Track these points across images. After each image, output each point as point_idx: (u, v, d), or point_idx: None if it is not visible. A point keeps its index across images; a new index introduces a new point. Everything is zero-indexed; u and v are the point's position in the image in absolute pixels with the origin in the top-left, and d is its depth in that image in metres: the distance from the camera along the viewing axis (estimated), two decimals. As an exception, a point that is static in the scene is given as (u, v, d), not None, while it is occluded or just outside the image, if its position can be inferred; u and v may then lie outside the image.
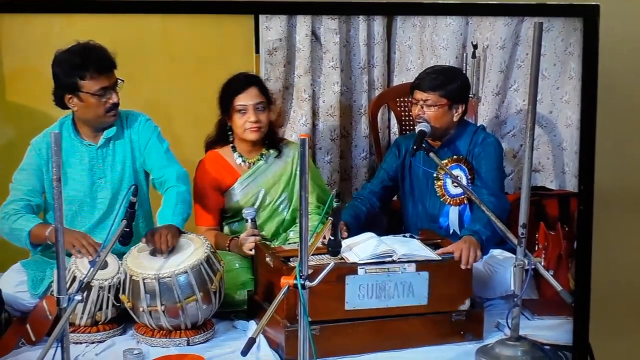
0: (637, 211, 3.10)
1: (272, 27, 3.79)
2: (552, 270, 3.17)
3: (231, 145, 3.45)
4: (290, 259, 2.91)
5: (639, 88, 3.07)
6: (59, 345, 2.38)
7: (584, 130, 2.53)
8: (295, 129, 3.92)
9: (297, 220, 3.32)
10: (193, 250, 2.97)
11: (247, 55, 3.86)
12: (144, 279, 2.87)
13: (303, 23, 3.82)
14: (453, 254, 2.94)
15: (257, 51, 3.85)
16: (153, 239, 2.94)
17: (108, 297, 2.94)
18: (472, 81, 3.66)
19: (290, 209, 3.45)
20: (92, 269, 2.68)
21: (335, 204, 2.64)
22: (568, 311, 2.71)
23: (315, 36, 3.88)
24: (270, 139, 3.46)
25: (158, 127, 3.26)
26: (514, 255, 2.74)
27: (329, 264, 2.41)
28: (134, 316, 2.95)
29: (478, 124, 3.63)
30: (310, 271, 2.31)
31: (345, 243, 2.89)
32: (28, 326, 2.88)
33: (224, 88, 3.37)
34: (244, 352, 2.30)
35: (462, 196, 3.32)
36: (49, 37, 3.55)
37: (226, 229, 3.48)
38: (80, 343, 2.90)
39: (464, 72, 3.66)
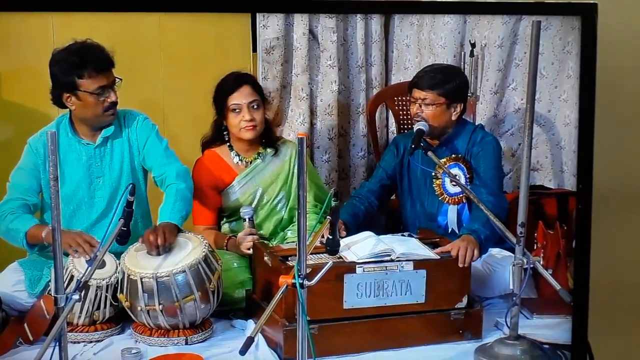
0: (636, 210, 3.10)
1: (270, 25, 3.79)
2: (550, 269, 3.18)
3: (228, 144, 3.44)
4: (289, 258, 2.91)
5: (637, 86, 3.07)
6: (57, 344, 2.37)
7: (583, 129, 2.53)
8: (293, 128, 3.91)
9: (295, 219, 3.35)
10: (191, 249, 2.97)
11: (245, 53, 3.85)
12: (141, 278, 2.86)
13: (300, 21, 3.82)
14: (450, 252, 2.94)
15: (255, 50, 3.84)
16: (149, 238, 2.93)
17: (106, 297, 2.93)
18: (470, 80, 3.66)
19: (288, 208, 3.44)
20: (89, 268, 2.67)
21: (333, 203, 2.64)
22: (567, 310, 2.71)
23: (312, 35, 3.88)
24: (267, 138, 3.46)
25: (156, 125, 3.25)
26: (512, 254, 2.74)
27: (328, 263, 2.40)
28: (131, 315, 2.94)
29: (476, 123, 3.63)
30: (308, 270, 2.30)
31: (343, 242, 2.89)
32: (26, 326, 2.87)
33: (217, 88, 3.37)
34: (243, 352, 2.29)
35: (461, 195, 3.32)
36: (45, 35, 3.54)
37: (224, 228, 3.48)
38: (78, 342, 2.90)
39: (462, 70, 3.65)
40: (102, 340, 2.93)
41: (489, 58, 3.81)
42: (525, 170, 2.67)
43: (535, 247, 3.36)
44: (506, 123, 3.90)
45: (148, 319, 2.89)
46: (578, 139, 2.57)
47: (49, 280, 2.93)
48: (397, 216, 3.57)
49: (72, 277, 2.88)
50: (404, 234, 3.20)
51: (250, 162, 3.44)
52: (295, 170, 3.34)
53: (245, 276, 3.19)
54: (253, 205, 3.38)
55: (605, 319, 2.84)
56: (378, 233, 3.05)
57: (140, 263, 2.91)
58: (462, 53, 3.84)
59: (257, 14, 3.76)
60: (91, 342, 2.91)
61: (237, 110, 3.34)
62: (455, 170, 3.31)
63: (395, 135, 3.92)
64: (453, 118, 3.32)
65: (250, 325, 2.98)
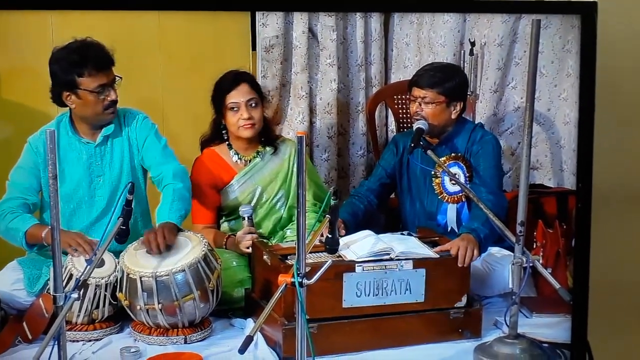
0: (635, 209, 3.09)
1: (269, 24, 3.78)
2: (550, 268, 3.18)
3: (227, 143, 3.44)
4: (288, 257, 2.91)
5: (637, 85, 3.06)
6: (56, 343, 2.37)
7: (582, 128, 2.53)
8: (292, 127, 3.91)
9: (294, 218, 3.35)
10: (190, 248, 2.96)
11: (244, 52, 3.85)
12: (141, 277, 2.86)
13: (300, 20, 3.81)
14: (450, 251, 2.93)
15: (254, 48, 3.84)
16: (149, 238, 2.92)
17: (105, 295, 2.93)
18: (469, 79, 3.65)
19: (287, 207, 3.44)
20: (88, 267, 2.67)
21: (332, 202, 2.63)
22: (566, 309, 2.70)
23: (312, 33, 3.88)
24: (266, 136, 3.46)
25: (155, 124, 3.25)
26: (512, 253, 2.73)
27: (327, 261, 2.40)
28: (131, 314, 2.94)
29: (476, 122, 3.62)
30: (307, 269, 2.30)
31: (342, 241, 2.88)
32: (24, 324, 2.87)
33: (215, 87, 3.37)
34: (242, 350, 2.29)
35: (460, 194, 3.31)
36: (44, 34, 3.54)
37: (223, 226, 3.47)
38: (77, 341, 2.89)
39: (462, 69, 3.65)
40: (101, 339, 2.93)
41: (489, 57, 3.80)
42: (525, 169, 2.66)
43: (534, 246, 3.36)
44: (506, 122, 3.89)
45: (147, 317, 2.89)
46: (578, 138, 2.56)
47: (48, 279, 2.92)
48: (396, 215, 3.57)
49: (71, 275, 2.88)
50: (403, 232, 3.20)
51: (250, 161, 3.44)
52: (295, 169, 3.34)
53: (244, 275, 3.19)
54: (252, 204, 3.38)
55: (605, 318, 2.84)
56: (377, 232, 3.04)
57: (139, 262, 2.91)
58: (462, 52, 3.84)
59: (257, 13, 3.75)
60: (90, 340, 2.91)
61: (235, 109, 3.34)
62: (454, 169, 3.30)
63: (394, 134, 3.91)
64: (453, 117, 3.32)
65: (250, 324, 2.98)
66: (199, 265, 2.90)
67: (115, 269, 2.95)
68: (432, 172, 3.34)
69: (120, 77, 3.11)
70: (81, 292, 2.76)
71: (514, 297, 2.71)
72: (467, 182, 3.27)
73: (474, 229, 3.04)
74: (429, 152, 3.18)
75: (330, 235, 2.67)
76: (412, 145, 3.20)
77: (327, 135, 3.94)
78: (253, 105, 3.35)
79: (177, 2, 2.70)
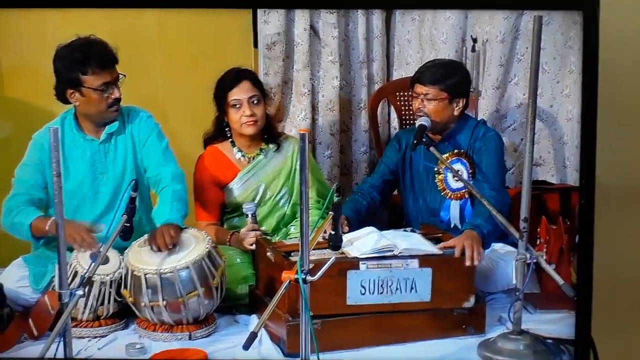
0: (639, 205, 3.09)
1: (271, 21, 3.79)
2: (553, 264, 3.17)
3: (230, 140, 3.44)
4: (291, 254, 2.91)
5: (639, 81, 3.06)
6: (62, 339, 2.38)
7: (585, 125, 2.53)
8: (294, 124, 3.91)
9: (298, 215, 3.35)
10: (194, 245, 2.97)
11: (246, 49, 3.86)
12: (145, 274, 2.86)
13: (301, 17, 3.81)
14: (454, 248, 2.93)
15: (256, 45, 3.84)
16: (155, 239, 2.93)
17: (110, 292, 2.94)
18: (472, 75, 3.65)
19: (291, 204, 3.44)
20: (93, 264, 2.68)
21: (335, 199, 2.64)
22: (570, 305, 2.70)
23: (313, 30, 3.88)
24: (269, 134, 3.46)
25: (159, 124, 3.25)
26: (515, 249, 2.73)
27: (330, 258, 2.40)
28: (135, 311, 2.95)
29: (479, 118, 3.63)
30: (311, 266, 2.31)
31: (346, 237, 2.88)
32: (30, 321, 2.88)
33: (217, 84, 3.38)
34: (246, 347, 2.30)
35: (463, 190, 3.32)
36: (45, 32, 3.55)
37: (227, 223, 3.48)
38: (83, 338, 2.90)
39: (464, 66, 3.65)
40: (106, 335, 2.94)
41: (491, 53, 3.80)
42: (528, 165, 2.66)
43: (538, 242, 3.35)
44: (508, 118, 3.90)
45: (152, 314, 2.90)
46: (580, 134, 2.56)
47: (53, 276, 2.93)
48: (399, 211, 3.57)
49: (76, 272, 2.89)
50: (407, 229, 3.19)
51: (253, 158, 3.44)
52: (298, 166, 3.34)
53: (248, 272, 3.20)
54: (256, 201, 3.38)
55: (609, 315, 2.83)
56: (380, 228, 3.04)
57: (143, 259, 2.92)
58: (464, 48, 3.84)
59: (258, 10, 3.76)
60: (95, 337, 2.92)
61: (237, 106, 3.34)
62: (457, 166, 3.30)
63: (397, 130, 3.91)
64: (455, 113, 3.32)
65: (254, 321, 2.98)
66: (203, 262, 2.91)
67: (120, 266, 2.96)
68: (435, 169, 3.34)
69: (124, 75, 3.11)
70: (86, 289, 2.76)
71: (517, 293, 2.71)
72: (470, 179, 3.27)
73: (477, 225, 3.04)
74: (431, 148, 3.19)
75: (333, 232, 2.67)
76: (415, 142, 3.20)
77: (330, 133, 3.94)
78: (255, 102, 3.35)
79: (179, 0, 2.70)
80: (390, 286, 2.83)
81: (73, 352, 2.42)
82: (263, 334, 2.82)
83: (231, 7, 3.60)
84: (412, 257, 2.85)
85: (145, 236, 2.99)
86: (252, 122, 3.34)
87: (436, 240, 3.03)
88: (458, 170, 3.26)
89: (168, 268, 2.87)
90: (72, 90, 3.07)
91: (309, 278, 2.29)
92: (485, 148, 3.30)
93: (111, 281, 2.94)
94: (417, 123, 3.27)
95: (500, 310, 3.02)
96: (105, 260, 2.91)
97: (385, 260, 2.83)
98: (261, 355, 2.75)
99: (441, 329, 2.87)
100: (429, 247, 2.94)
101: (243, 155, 3.44)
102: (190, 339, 2.90)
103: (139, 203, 2.90)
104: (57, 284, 2.45)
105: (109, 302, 2.95)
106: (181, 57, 3.81)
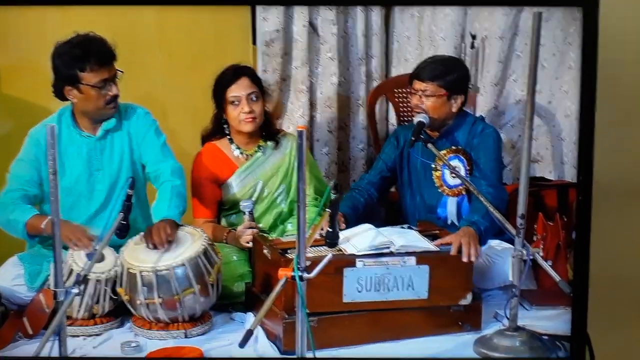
0: (636, 204, 3.08)
1: (269, 18, 3.78)
2: (550, 261, 3.17)
3: (228, 137, 3.43)
4: (288, 251, 2.90)
5: (639, 78, 3.05)
6: (57, 338, 2.37)
7: (583, 121, 2.52)
8: (292, 121, 3.91)
9: (295, 212, 3.35)
10: (190, 242, 2.96)
11: (244, 46, 3.85)
12: (141, 272, 2.86)
13: (300, 14, 3.81)
14: (451, 245, 2.93)
15: (254, 42, 3.83)
16: (151, 235, 2.92)
17: (105, 290, 2.93)
18: (470, 72, 3.64)
19: (288, 201, 3.44)
20: (88, 262, 2.67)
21: (333, 196, 2.63)
22: (566, 301, 2.70)
23: (312, 27, 3.87)
24: (268, 131, 3.45)
25: (156, 120, 3.25)
26: (512, 246, 2.73)
27: (327, 255, 2.40)
28: (131, 309, 2.94)
29: (477, 115, 3.62)
30: (308, 263, 2.30)
31: (343, 234, 2.88)
32: (25, 320, 2.87)
33: (216, 81, 3.37)
34: (242, 344, 2.29)
35: (461, 187, 3.31)
36: (44, 29, 3.54)
37: (223, 221, 3.47)
38: (78, 336, 2.90)
39: (463, 62, 3.64)
40: (102, 334, 2.93)
41: (490, 50, 3.79)
42: (526, 161, 2.66)
43: (535, 239, 3.35)
44: (507, 115, 3.89)
45: (147, 312, 2.89)
46: (579, 131, 2.55)
47: (49, 275, 2.93)
48: (397, 208, 3.56)
49: (71, 271, 2.88)
50: (404, 226, 3.19)
51: (251, 155, 3.44)
52: (296, 164, 3.33)
53: (244, 269, 3.19)
54: (253, 199, 3.37)
55: (605, 311, 2.83)
56: (378, 225, 3.04)
57: (139, 257, 2.91)
58: (463, 45, 3.83)
59: (257, 7, 3.75)
60: (91, 335, 2.91)
61: (236, 103, 3.33)
62: (455, 162, 3.30)
63: (395, 127, 3.91)
64: (453, 110, 3.31)
65: (250, 318, 2.98)
66: (199, 260, 2.90)
67: (115, 264, 2.96)
68: (433, 166, 3.34)
69: (122, 72, 3.10)
70: (81, 288, 2.75)
71: (514, 289, 2.71)
72: (468, 175, 3.26)
73: (474, 222, 3.04)
74: (429, 145, 3.18)
75: (330, 229, 2.67)
76: (413, 138, 3.20)
77: (328, 129, 3.94)
78: (254, 99, 3.35)
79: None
80: (387, 283, 2.82)
81: (68, 351, 2.41)
82: (259, 331, 2.82)
83: (230, 4, 3.59)
84: (409, 254, 2.84)
85: (141, 234, 2.98)
86: (250, 119, 3.33)
87: (433, 237, 3.02)
88: (455, 167, 3.25)
89: (164, 265, 2.86)
90: (70, 87, 3.06)
91: (305, 275, 2.28)
92: (483, 145, 3.29)
93: (107, 279, 2.93)
94: (416, 120, 3.26)
95: (496, 306, 3.01)
96: (101, 258, 2.91)
97: (382, 257, 2.82)
98: (257, 353, 2.75)
99: (437, 326, 2.87)
100: (425, 244, 2.93)
101: (241, 153, 3.43)
102: (186, 337, 2.90)
103: (135, 201, 2.89)
104: (52, 282, 2.45)
105: (104, 300, 2.94)
106: (180, 55, 3.80)
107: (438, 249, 2.92)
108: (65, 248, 2.89)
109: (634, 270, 3.08)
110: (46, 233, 2.94)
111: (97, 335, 2.92)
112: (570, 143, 3.72)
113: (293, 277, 2.28)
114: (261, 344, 2.79)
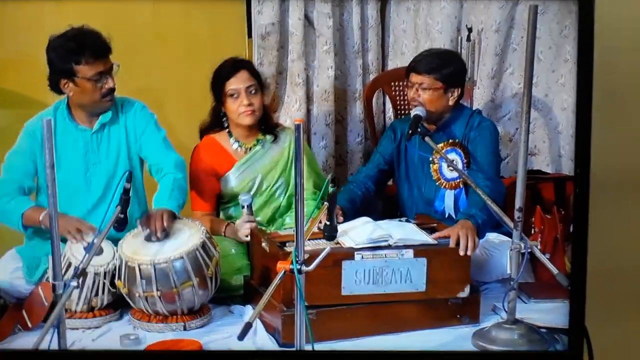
0: (634, 195, 3.09)
1: (265, 11, 3.77)
2: (548, 254, 3.18)
3: (227, 130, 3.43)
4: (286, 244, 2.91)
5: (635, 71, 3.06)
6: (56, 331, 2.37)
7: (580, 114, 2.52)
8: (289, 114, 3.90)
9: (293, 206, 3.35)
10: (189, 235, 2.97)
11: (240, 39, 3.84)
12: (139, 265, 2.86)
13: (296, 7, 3.80)
14: (449, 238, 2.93)
15: (250, 35, 3.83)
16: (148, 222, 2.93)
17: (104, 283, 2.93)
18: (467, 65, 3.64)
19: (287, 195, 3.44)
20: (87, 255, 2.67)
21: (330, 189, 2.63)
22: (564, 294, 2.71)
23: (308, 20, 3.86)
24: (266, 124, 3.45)
25: (154, 114, 3.24)
26: (510, 239, 2.73)
27: (325, 248, 2.40)
28: (130, 302, 2.94)
29: (474, 108, 3.62)
30: (306, 256, 2.30)
31: (341, 228, 2.88)
32: (24, 312, 2.88)
33: (214, 74, 3.37)
34: (241, 337, 2.29)
35: (458, 180, 3.32)
36: (39, 23, 3.53)
37: (222, 214, 3.47)
38: (77, 329, 2.90)
39: (460, 55, 3.64)
40: (101, 326, 2.93)
41: (486, 43, 3.80)
42: (523, 154, 2.66)
43: (532, 232, 3.36)
44: (503, 108, 3.89)
45: (146, 305, 2.89)
46: (575, 124, 2.56)
47: (47, 268, 2.93)
48: (394, 201, 3.57)
49: (70, 264, 2.88)
50: (402, 219, 3.19)
51: (250, 149, 3.44)
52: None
53: (243, 262, 3.20)
54: (252, 192, 3.37)
55: (603, 304, 2.84)
56: (375, 218, 3.04)
57: (138, 250, 2.91)
58: (459, 38, 3.83)
59: (252, 0, 3.74)
60: (89, 328, 2.92)
61: (235, 96, 3.33)
62: (452, 155, 3.30)
63: (392, 120, 3.91)
64: (450, 103, 3.31)
65: (249, 311, 2.99)
66: (198, 253, 2.91)
67: (114, 257, 2.96)
68: (430, 159, 3.34)
69: (118, 65, 3.10)
70: (80, 280, 2.75)
71: (512, 282, 2.71)
72: (465, 169, 3.27)
73: (472, 215, 3.04)
74: (426, 138, 3.18)
75: (328, 223, 2.68)
76: (410, 131, 3.20)
77: (325, 123, 3.94)
78: (253, 92, 3.35)
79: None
80: (385, 276, 2.83)
81: (67, 344, 2.41)
82: (258, 324, 2.83)
83: (225, -3, 3.60)
84: (407, 247, 2.85)
85: (140, 221, 2.98)
86: (249, 112, 3.33)
87: (431, 230, 3.03)
88: (453, 160, 3.26)
89: (162, 258, 2.86)
90: (65, 81, 3.05)
91: (304, 268, 2.29)
92: (480, 138, 3.30)
93: (105, 272, 2.93)
94: (412, 113, 3.26)
95: (494, 299, 3.02)
96: (99, 251, 2.91)
97: (380, 250, 2.83)
98: (256, 346, 2.75)
99: (436, 319, 2.88)
100: (423, 237, 2.93)
101: (240, 146, 3.43)
102: (184, 329, 2.90)
103: (132, 194, 2.89)
104: (50, 275, 2.44)
105: (103, 293, 2.94)
106: (176, 48, 3.80)
107: (436, 242, 2.92)
108: (64, 241, 2.89)
109: (631, 263, 3.09)
110: (44, 226, 2.94)
111: (96, 328, 2.92)
112: (567, 136, 3.73)
113: (291, 270, 2.28)
114: (260, 336, 2.80)
